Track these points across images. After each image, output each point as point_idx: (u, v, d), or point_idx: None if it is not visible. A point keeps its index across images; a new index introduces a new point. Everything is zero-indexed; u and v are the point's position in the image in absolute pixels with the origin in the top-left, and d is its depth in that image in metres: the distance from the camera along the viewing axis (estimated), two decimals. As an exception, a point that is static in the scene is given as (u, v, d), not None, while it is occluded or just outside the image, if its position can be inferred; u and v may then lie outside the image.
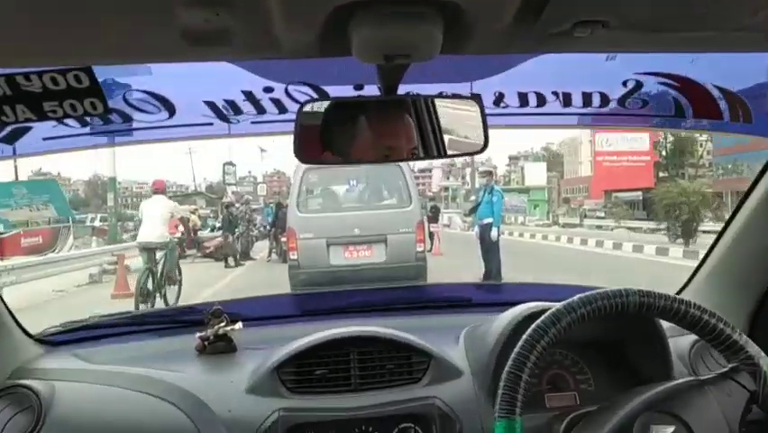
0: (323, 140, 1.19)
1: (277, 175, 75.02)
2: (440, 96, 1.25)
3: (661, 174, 44.57)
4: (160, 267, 8.92)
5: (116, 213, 25.33)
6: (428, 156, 1.24)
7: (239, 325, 1.57)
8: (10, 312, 1.53)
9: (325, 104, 1.24)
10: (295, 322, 1.81)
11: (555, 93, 1.56)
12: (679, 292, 1.72)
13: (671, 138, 48.98)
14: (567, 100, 1.57)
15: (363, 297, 2.30)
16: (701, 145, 50.98)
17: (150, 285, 8.61)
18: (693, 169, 47.70)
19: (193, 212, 20.17)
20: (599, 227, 32.58)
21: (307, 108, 1.22)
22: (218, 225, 19.45)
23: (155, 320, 1.87)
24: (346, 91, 1.39)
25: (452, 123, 1.24)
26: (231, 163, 34.19)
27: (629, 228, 27.69)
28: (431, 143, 1.24)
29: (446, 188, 67.06)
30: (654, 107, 1.60)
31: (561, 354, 1.46)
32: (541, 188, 55.39)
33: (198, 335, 1.56)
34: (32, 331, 1.64)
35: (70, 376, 1.44)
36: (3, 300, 1.51)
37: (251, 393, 1.37)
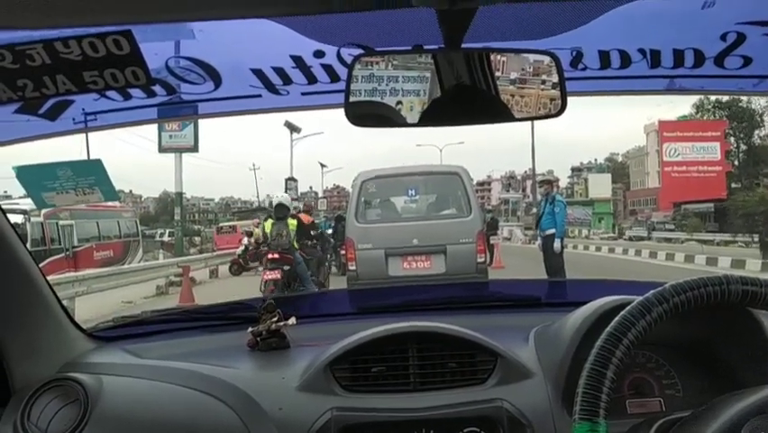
0: (376, 100, 1.08)
1: (336, 190, 76.42)
2: (511, 50, 1.12)
3: (733, 185, 42.71)
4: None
5: (183, 227, 26.26)
6: (496, 119, 1.12)
7: (292, 320, 1.51)
8: (63, 308, 1.52)
9: (379, 60, 1.14)
10: (351, 319, 1.74)
11: (642, 51, 1.37)
12: None
13: (743, 147, 47.06)
14: (655, 60, 1.39)
15: (423, 294, 2.19)
16: (778, 154, 48.69)
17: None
18: (769, 179, 45.54)
19: (256, 226, 20.73)
20: (669, 240, 31.54)
21: (359, 66, 1.12)
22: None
23: (207, 316, 1.83)
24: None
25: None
26: (292, 179, 34.89)
27: (701, 241, 26.61)
28: (499, 105, 1.10)
29: (506, 201, 66.42)
30: (759, 67, 1.39)
31: (643, 357, 1.34)
32: (606, 200, 54.08)
33: (250, 330, 1.51)
34: None
35: (119, 371, 1.41)
36: (57, 298, 1.51)
37: (303, 391, 1.31)
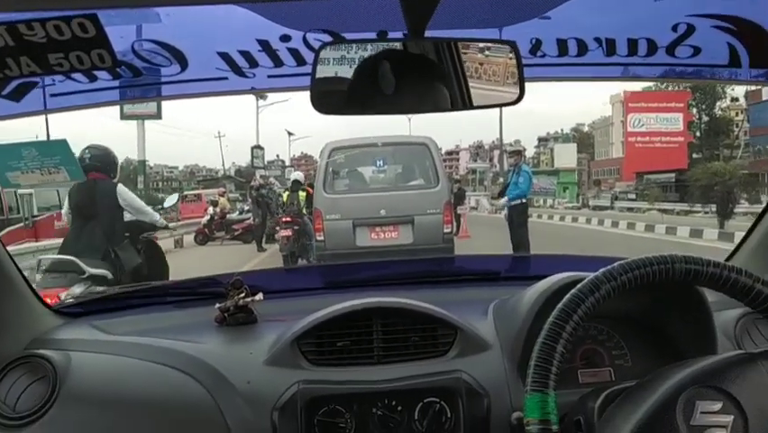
0: (341, 88, 1.10)
1: (304, 159, 75.49)
2: (472, 39, 1.15)
3: (694, 156, 43.63)
4: None
5: (146, 195, 25.72)
6: (457, 107, 1.15)
7: (259, 296, 1.53)
8: (28, 283, 1.51)
9: (345, 48, 1.15)
10: (318, 294, 1.77)
11: (598, 40, 1.42)
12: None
13: (705, 118, 47.99)
14: (611, 48, 1.44)
15: (389, 269, 2.24)
16: (737, 126, 49.86)
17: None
18: (728, 150, 46.66)
19: (222, 195, 20.47)
20: (631, 210, 32.21)
21: (325, 53, 1.13)
22: (246, 207, 19.62)
23: (175, 292, 1.84)
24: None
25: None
26: (259, 147, 34.31)
27: (662, 210, 27.25)
28: (462, 93, 1.14)
29: (473, 171, 66.64)
30: (707, 56, 1.46)
31: (595, 329, 1.40)
32: (571, 170, 54.49)
33: (218, 306, 1.52)
34: None
35: (87, 347, 1.42)
36: (21, 272, 1.49)
37: (270, 365, 1.34)
